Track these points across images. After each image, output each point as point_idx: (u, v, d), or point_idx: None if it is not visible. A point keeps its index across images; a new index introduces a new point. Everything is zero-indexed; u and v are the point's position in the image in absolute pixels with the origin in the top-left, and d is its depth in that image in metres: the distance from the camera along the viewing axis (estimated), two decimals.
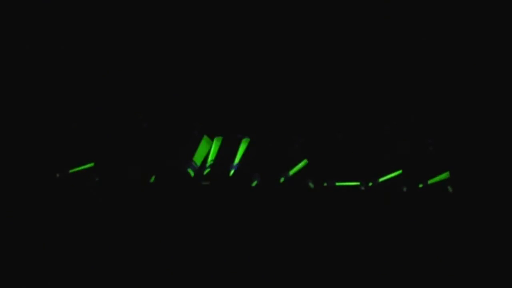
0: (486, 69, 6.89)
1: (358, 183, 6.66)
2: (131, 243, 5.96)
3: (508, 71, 6.86)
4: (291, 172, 6.64)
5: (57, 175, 6.50)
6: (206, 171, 6.62)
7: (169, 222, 6.21)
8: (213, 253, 5.89)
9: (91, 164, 6.54)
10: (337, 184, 6.65)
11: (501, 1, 6.81)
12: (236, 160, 6.62)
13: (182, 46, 6.93)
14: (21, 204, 6.23)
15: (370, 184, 6.66)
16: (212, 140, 6.65)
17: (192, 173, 6.57)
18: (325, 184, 6.64)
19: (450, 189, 6.65)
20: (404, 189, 6.65)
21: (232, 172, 6.61)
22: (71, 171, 6.52)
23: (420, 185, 6.68)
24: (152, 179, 6.55)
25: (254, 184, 6.64)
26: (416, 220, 6.33)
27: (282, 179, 6.63)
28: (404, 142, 6.81)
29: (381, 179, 6.66)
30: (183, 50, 6.93)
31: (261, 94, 6.91)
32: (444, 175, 6.69)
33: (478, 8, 6.87)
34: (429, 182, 6.67)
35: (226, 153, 6.67)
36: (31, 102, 6.72)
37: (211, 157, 6.63)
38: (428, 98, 6.92)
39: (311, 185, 6.65)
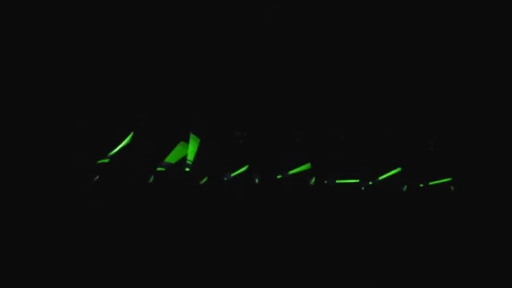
0: (486, 70, 6.93)
1: (358, 181, 6.67)
2: (130, 242, 5.96)
3: (508, 72, 6.90)
4: (292, 172, 6.64)
5: (56, 173, 6.51)
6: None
7: (167, 220, 6.21)
8: (212, 253, 5.89)
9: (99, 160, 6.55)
10: (338, 181, 6.66)
11: (501, 1, 6.86)
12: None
13: (181, 46, 6.94)
14: (21, 204, 6.23)
15: (370, 183, 6.67)
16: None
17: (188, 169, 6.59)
18: (325, 182, 6.65)
19: (452, 188, 6.68)
20: (405, 189, 6.66)
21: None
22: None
23: (421, 185, 6.69)
24: (151, 179, 6.56)
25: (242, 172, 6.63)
26: (416, 219, 6.35)
27: (280, 176, 6.63)
28: (405, 142, 6.83)
29: (381, 177, 6.67)
30: (181, 50, 6.94)
31: (261, 94, 6.93)
32: (446, 179, 6.71)
33: (478, 9, 6.91)
34: (431, 183, 6.68)
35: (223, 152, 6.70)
36: (30, 103, 6.73)
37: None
38: (429, 99, 6.95)
39: (312, 182, 6.65)
